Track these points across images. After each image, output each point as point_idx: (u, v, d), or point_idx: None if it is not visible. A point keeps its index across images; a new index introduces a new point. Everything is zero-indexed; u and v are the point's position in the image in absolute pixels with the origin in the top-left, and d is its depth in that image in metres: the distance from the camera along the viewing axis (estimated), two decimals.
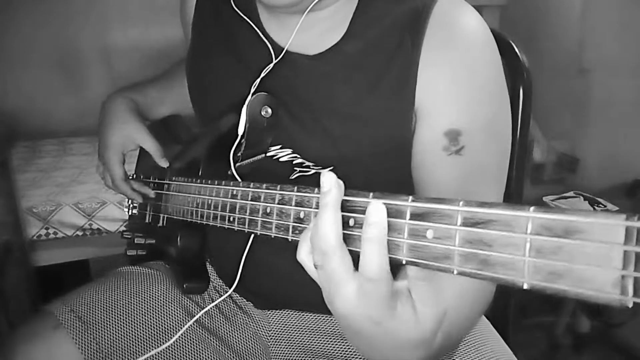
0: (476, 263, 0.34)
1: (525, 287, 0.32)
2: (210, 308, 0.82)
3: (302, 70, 0.70)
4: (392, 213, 0.40)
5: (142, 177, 0.96)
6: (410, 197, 0.39)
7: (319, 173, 0.70)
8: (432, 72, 0.64)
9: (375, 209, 0.39)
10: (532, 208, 0.31)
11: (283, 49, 0.70)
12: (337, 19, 0.68)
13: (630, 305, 0.28)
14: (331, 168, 0.69)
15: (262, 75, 0.71)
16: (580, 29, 2.25)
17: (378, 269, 0.39)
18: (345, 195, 0.44)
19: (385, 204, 0.40)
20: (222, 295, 0.84)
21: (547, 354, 1.87)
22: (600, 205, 1.89)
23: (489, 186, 0.65)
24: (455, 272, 0.35)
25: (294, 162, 0.72)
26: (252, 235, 0.69)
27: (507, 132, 0.68)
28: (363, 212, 0.42)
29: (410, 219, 0.39)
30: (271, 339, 0.80)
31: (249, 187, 0.58)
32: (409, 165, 0.68)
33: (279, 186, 0.53)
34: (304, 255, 0.45)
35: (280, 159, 0.72)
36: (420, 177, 0.66)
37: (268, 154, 0.73)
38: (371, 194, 0.42)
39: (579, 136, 2.28)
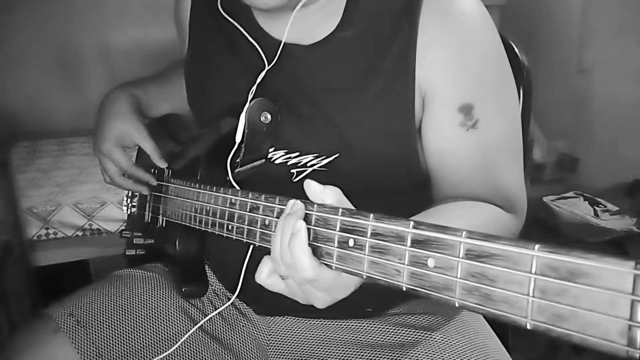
0: (478, 297, 0.34)
1: (528, 327, 0.31)
2: (212, 311, 0.81)
3: (299, 61, 0.70)
4: (392, 238, 0.39)
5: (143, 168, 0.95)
6: (412, 223, 0.38)
7: (318, 171, 0.70)
8: (433, 52, 0.64)
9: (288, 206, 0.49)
10: (537, 246, 0.30)
11: (278, 42, 0.70)
12: (331, 9, 0.69)
13: (638, 357, 0.27)
14: (336, 156, 0.69)
15: (258, 81, 0.71)
16: (580, 29, 2.24)
17: (312, 272, 0.46)
18: (344, 215, 0.44)
19: (385, 228, 0.40)
20: (222, 299, 0.84)
21: (546, 356, 1.87)
22: (601, 205, 1.88)
23: (509, 159, 0.67)
24: (456, 304, 0.35)
25: (289, 164, 0.71)
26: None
27: (514, 99, 0.70)
28: (363, 233, 0.42)
29: (411, 246, 0.38)
30: (270, 344, 0.80)
31: (247, 197, 0.57)
32: (415, 149, 0.68)
33: (277, 198, 0.52)
34: (265, 277, 0.52)
35: (276, 161, 0.72)
36: (440, 161, 0.67)
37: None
38: (371, 214, 0.41)
39: (579, 136, 2.28)
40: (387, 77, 0.66)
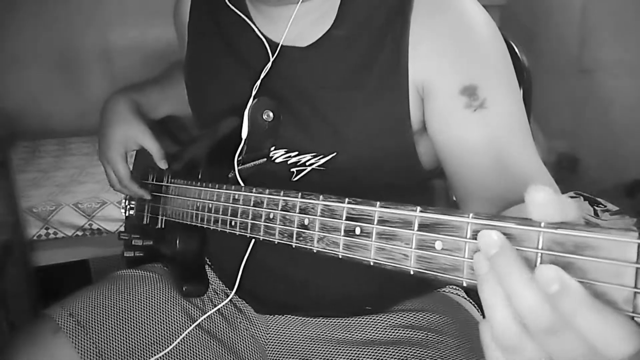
0: None
1: None
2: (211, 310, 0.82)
3: (296, 62, 0.70)
4: (399, 223, 0.40)
5: (139, 178, 0.95)
6: (419, 208, 0.39)
7: (317, 170, 0.70)
8: (425, 45, 0.63)
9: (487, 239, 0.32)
10: (543, 223, 0.31)
11: (277, 44, 0.71)
12: (326, 8, 0.69)
13: None
14: (334, 155, 0.69)
15: (262, 75, 0.71)
16: (580, 29, 2.25)
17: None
18: (350, 203, 0.44)
19: (392, 214, 0.40)
20: (222, 298, 0.84)
21: None
22: (601, 205, 1.88)
23: (523, 136, 0.63)
24: (464, 283, 0.35)
25: (289, 162, 0.72)
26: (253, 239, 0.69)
27: (516, 81, 0.66)
28: (370, 220, 0.42)
29: (418, 230, 0.38)
30: (269, 344, 0.80)
31: (251, 192, 0.58)
32: (412, 147, 0.68)
33: (282, 192, 0.53)
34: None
35: (276, 160, 0.72)
36: (452, 151, 0.64)
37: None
38: (378, 202, 0.42)
39: (579, 136, 2.28)
40: (380, 74, 0.66)
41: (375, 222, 0.42)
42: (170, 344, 0.77)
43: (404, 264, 0.39)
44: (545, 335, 0.30)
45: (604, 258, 0.29)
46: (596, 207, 1.87)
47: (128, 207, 0.97)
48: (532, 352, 0.31)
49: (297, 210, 0.50)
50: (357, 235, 0.43)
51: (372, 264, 0.43)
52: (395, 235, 0.40)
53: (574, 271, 0.30)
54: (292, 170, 0.72)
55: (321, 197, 0.47)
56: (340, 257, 0.46)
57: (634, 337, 0.28)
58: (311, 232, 0.48)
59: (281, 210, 0.52)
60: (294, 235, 0.50)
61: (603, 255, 0.29)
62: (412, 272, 0.39)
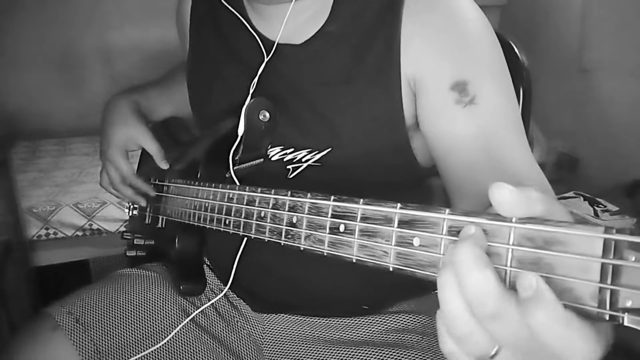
0: None
1: None
2: (208, 308, 0.82)
3: (291, 59, 0.71)
4: (381, 220, 0.40)
5: (142, 179, 0.96)
6: (399, 205, 0.39)
7: (313, 166, 0.70)
8: (417, 40, 0.64)
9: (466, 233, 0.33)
10: (514, 218, 0.32)
11: (273, 42, 0.71)
12: (320, 5, 0.69)
13: (607, 318, 0.27)
14: (329, 150, 0.69)
15: (259, 73, 0.71)
16: (580, 29, 2.24)
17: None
18: (335, 201, 0.45)
19: (374, 211, 0.40)
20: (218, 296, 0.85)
21: None
22: (601, 205, 1.88)
23: (515, 133, 0.62)
24: None
25: (285, 160, 0.72)
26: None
27: (509, 78, 0.65)
28: (354, 217, 0.43)
29: (398, 226, 0.39)
30: (265, 342, 0.80)
31: (244, 191, 0.58)
32: (406, 141, 0.68)
33: (273, 190, 0.53)
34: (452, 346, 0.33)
35: (272, 158, 0.73)
36: (442, 146, 0.63)
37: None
38: (361, 200, 0.42)
39: (579, 136, 2.28)
40: (372, 69, 0.66)
41: (359, 219, 0.42)
42: (168, 342, 0.77)
43: (384, 261, 0.40)
44: (491, 321, 0.31)
45: (572, 253, 0.29)
46: (596, 207, 1.87)
47: (132, 207, 0.98)
48: (482, 339, 0.32)
49: (287, 209, 0.50)
50: (341, 233, 0.44)
51: (354, 261, 0.43)
52: (377, 232, 0.40)
53: (543, 267, 0.30)
54: (288, 167, 0.72)
55: (309, 194, 0.48)
56: (325, 254, 0.46)
57: (597, 347, 0.29)
58: (299, 229, 0.49)
59: (271, 208, 0.53)
60: (283, 233, 0.51)
61: (571, 250, 0.29)
62: (391, 269, 0.39)
